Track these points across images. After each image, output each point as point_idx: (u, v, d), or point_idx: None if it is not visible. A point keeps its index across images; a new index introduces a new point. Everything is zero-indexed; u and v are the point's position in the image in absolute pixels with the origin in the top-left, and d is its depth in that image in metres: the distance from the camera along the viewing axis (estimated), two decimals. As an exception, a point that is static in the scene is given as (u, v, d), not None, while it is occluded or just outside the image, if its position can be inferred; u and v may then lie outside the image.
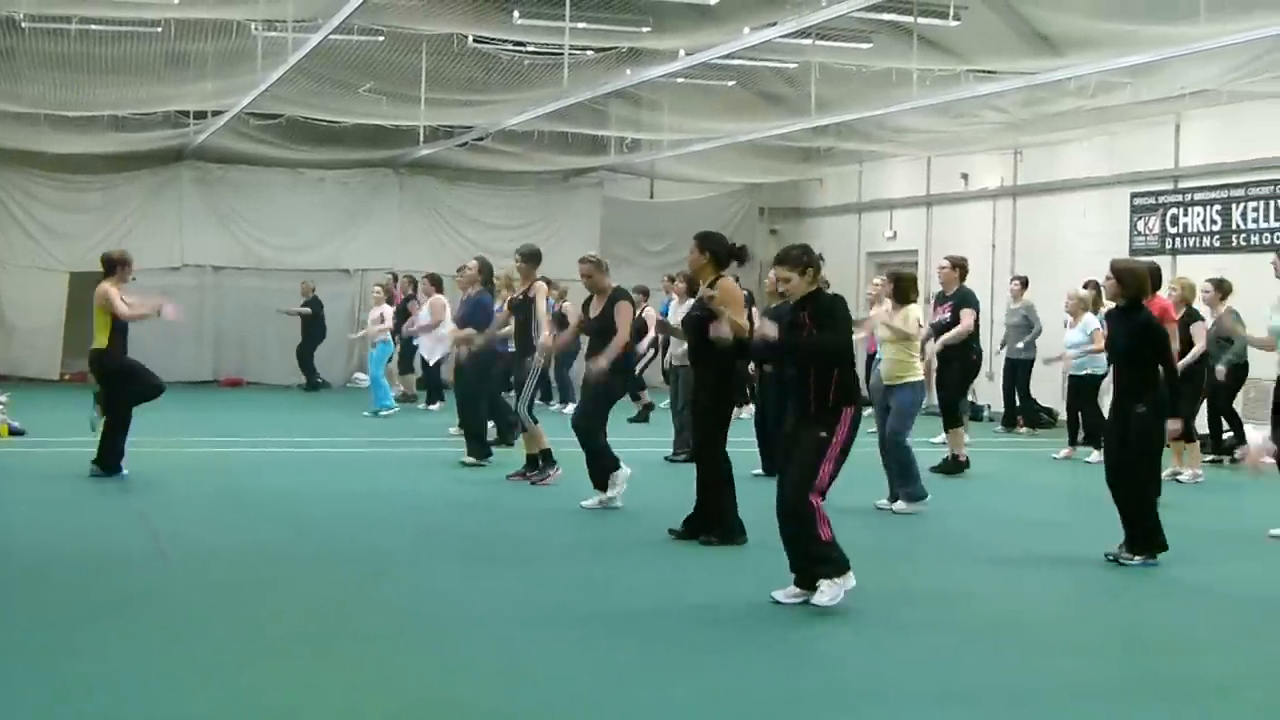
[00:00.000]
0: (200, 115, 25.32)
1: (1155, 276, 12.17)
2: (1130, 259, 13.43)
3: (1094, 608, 9.73)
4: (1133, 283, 11.14)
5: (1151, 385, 10.98)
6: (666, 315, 17.93)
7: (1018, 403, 21.83)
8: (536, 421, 14.73)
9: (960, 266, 16.83)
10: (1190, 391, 15.11)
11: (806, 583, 8.90)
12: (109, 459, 14.24)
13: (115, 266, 14.47)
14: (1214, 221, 21.79)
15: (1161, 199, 22.85)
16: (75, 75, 22.28)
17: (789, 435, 9.17)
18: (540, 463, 14.70)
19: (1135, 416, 10.83)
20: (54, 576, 9.54)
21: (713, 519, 11.12)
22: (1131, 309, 11.05)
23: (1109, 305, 12.30)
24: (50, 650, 7.50)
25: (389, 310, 23.40)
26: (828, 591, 8.67)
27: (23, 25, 20.89)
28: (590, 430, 12.99)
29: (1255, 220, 21.08)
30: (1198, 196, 22.23)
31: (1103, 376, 17.93)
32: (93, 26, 21.56)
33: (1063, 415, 19.19)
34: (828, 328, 8.96)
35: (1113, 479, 10.96)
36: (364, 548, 10.98)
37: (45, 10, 20.27)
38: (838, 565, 8.75)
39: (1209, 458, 17.26)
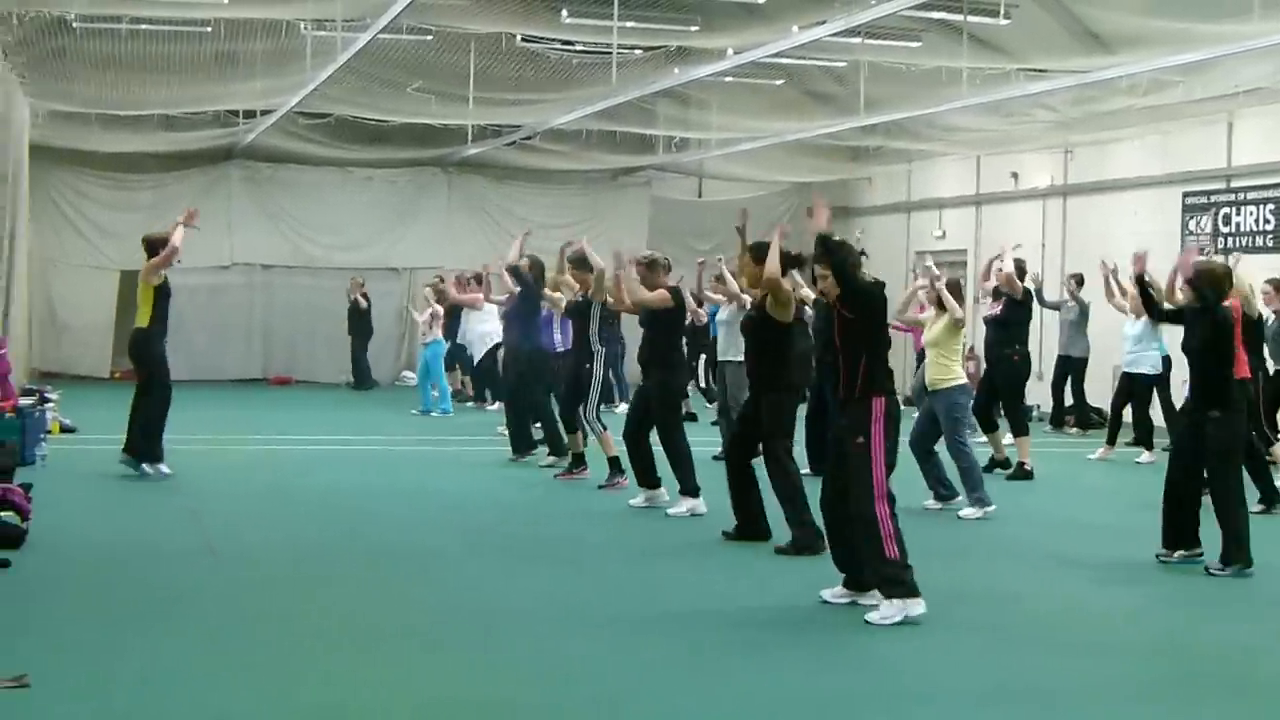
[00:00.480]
0: (250, 114, 25.38)
1: (1229, 277, 12.01)
2: (1209, 259, 13.31)
3: (1145, 611, 9.66)
4: (1211, 282, 11.06)
5: (1228, 387, 10.92)
6: (715, 316, 17.97)
7: (1069, 402, 21.76)
8: (605, 428, 14.61)
9: (1019, 267, 16.67)
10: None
11: (855, 585, 8.93)
12: (146, 450, 14.26)
13: (158, 247, 14.43)
14: (1267, 221, 21.68)
15: (1214, 198, 22.74)
16: (126, 75, 22.36)
17: (836, 438, 9.16)
18: (609, 469, 14.49)
19: (1212, 422, 10.76)
20: (105, 572, 9.61)
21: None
22: (1207, 309, 10.93)
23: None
24: (101, 645, 7.57)
25: (440, 310, 23.39)
26: (886, 611, 8.52)
27: (74, 25, 21.05)
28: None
29: (1308, 217, 21.08)
30: (1251, 195, 22.12)
31: (1155, 377, 17.92)
32: (143, 26, 21.65)
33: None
34: (868, 309, 8.93)
35: (1182, 486, 10.89)
36: (409, 546, 11.02)
37: (96, 10, 20.38)
38: (908, 588, 8.60)
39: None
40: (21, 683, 6.61)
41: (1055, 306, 21.29)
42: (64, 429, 17.79)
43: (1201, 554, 10.75)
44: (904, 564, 8.62)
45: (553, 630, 8.24)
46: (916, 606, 8.55)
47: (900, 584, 8.58)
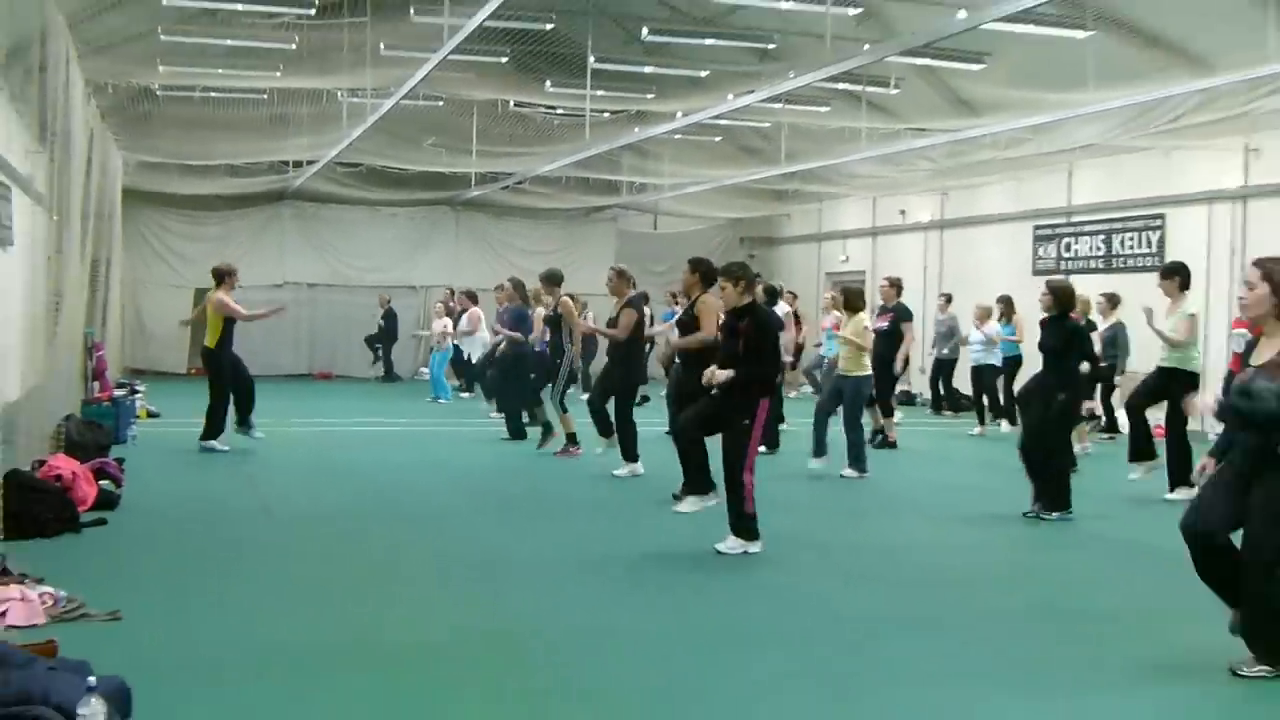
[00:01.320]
0: (298, 164, 25.43)
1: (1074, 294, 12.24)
2: (1061, 279, 13.37)
3: (1006, 553, 9.66)
4: (1064, 297, 11.25)
5: (1073, 378, 11.11)
6: (669, 320, 18.27)
7: (942, 392, 21.87)
8: (566, 410, 14.72)
9: (896, 285, 16.97)
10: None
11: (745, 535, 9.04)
12: (212, 430, 14.33)
13: (224, 276, 14.55)
14: (1099, 249, 21.91)
15: (1058, 230, 22.91)
16: (199, 132, 22.40)
17: (725, 419, 9.14)
18: (567, 441, 14.72)
19: (1058, 401, 10.88)
20: (183, 528, 9.54)
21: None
22: (1061, 318, 11.17)
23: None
24: (179, 585, 7.52)
25: (449, 323, 23.42)
26: (732, 544, 8.87)
27: (158, 93, 20.99)
28: (614, 410, 13.27)
29: (1131, 247, 21.24)
30: (1086, 228, 22.31)
31: (999, 369, 18.15)
32: (213, 94, 21.62)
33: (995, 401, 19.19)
34: (759, 341, 9.02)
35: (1030, 448, 10.95)
36: (426, 506, 10.99)
37: (175, 82, 20.38)
38: (752, 534, 8.91)
39: (1104, 436, 17.39)
40: (115, 616, 6.56)
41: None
42: (150, 414, 17.68)
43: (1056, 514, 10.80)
44: (754, 516, 8.92)
45: (539, 571, 8.21)
46: (755, 547, 8.88)
47: (748, 531, 8.92)
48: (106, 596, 6.83)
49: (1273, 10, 14.98)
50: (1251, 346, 6.28)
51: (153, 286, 28.09)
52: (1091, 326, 16.27)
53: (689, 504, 9.94)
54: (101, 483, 10.28)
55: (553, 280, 15.17)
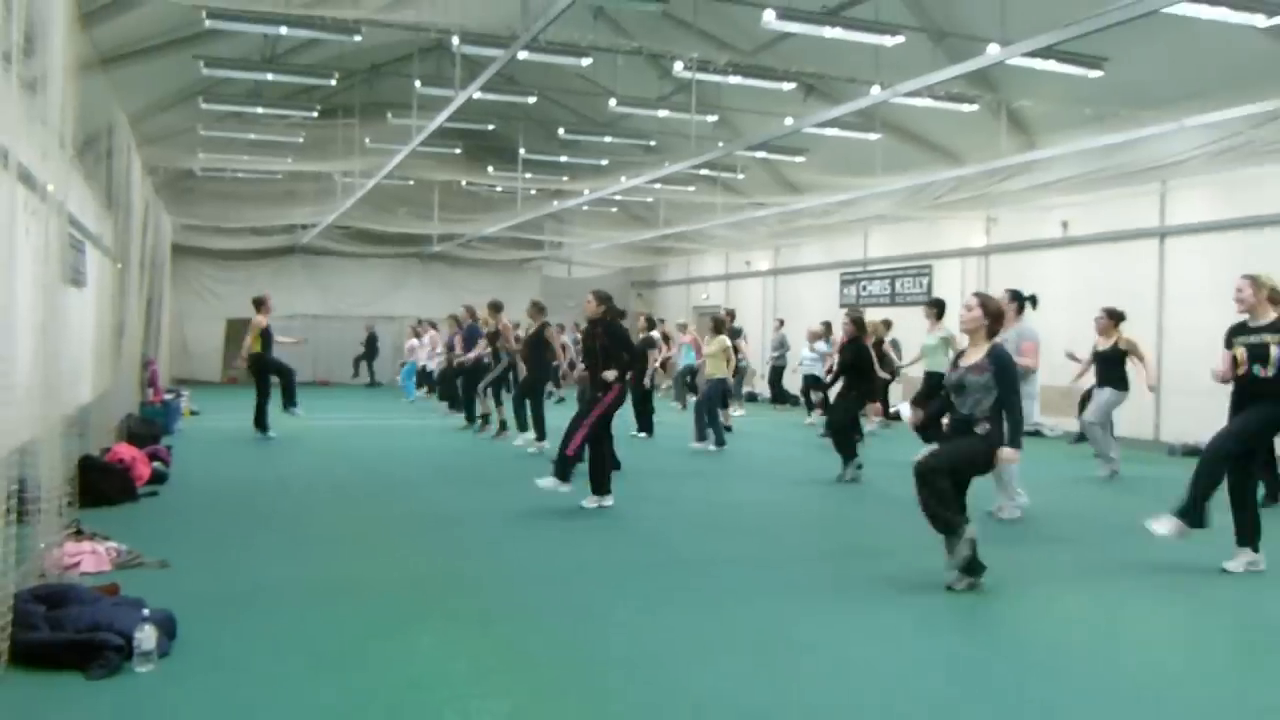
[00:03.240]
0: (304, 226, 25.11)
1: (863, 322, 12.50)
2: (857, 310, 13.62)
3: (819, 505, 9.71)
4: (859, 325, 11.40)
5: (868, 382, 11.35)
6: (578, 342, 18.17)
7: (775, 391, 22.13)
8: (501, 404, 14.69)
9: (731, 315, 16.97)
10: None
11: (601, 490, 9.04)
12: (261, 423, 14.23)
13: (262, 304, 14.38)
14: (885, 290, 22.27)
15: (857, 276, 23.28)
16: (229, 202, 22.16)
17: (592, 394, 9.25)
18: (499, 427, 14.72)
19: (851, 398, 11.14)
20: (218, 498, 9.33)
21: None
22: (855, 340, 11.34)
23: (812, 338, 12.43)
24: (215, 541, 7.36)
25: (418, 343, 23.27)
26: (548, 483, 8.76)
27: (198, 174, 20.60)
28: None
29: (908, 288, 21.62)
30: (877, 275, 22.67)
31: (818, 378, 18.36)
32: (240, 174, 21.27)
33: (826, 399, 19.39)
34: (615, 339, 9.11)
35: (841, 431, 11.08)
36: (400, 480, 10.81)
37: (211, 165, 20.08)
38: (564, 478, 8.78)
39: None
40: (164, 564, 6.43)
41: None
42: (192, 413, 17.30)
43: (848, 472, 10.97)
44: (572, 463, 8.83)
45: (488, 526, 8.14)
46: (564, 487, 8.78)
47: (563, 474, 8.80)
48: (158, 549, 6.69)
49: (1004, 121, 15.42)
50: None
51: (194, 318, 27.49)
52: (879, 344, 16.66)
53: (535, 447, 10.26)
54: (154, 464, 10.04)
55: (496, 308, 15.15)
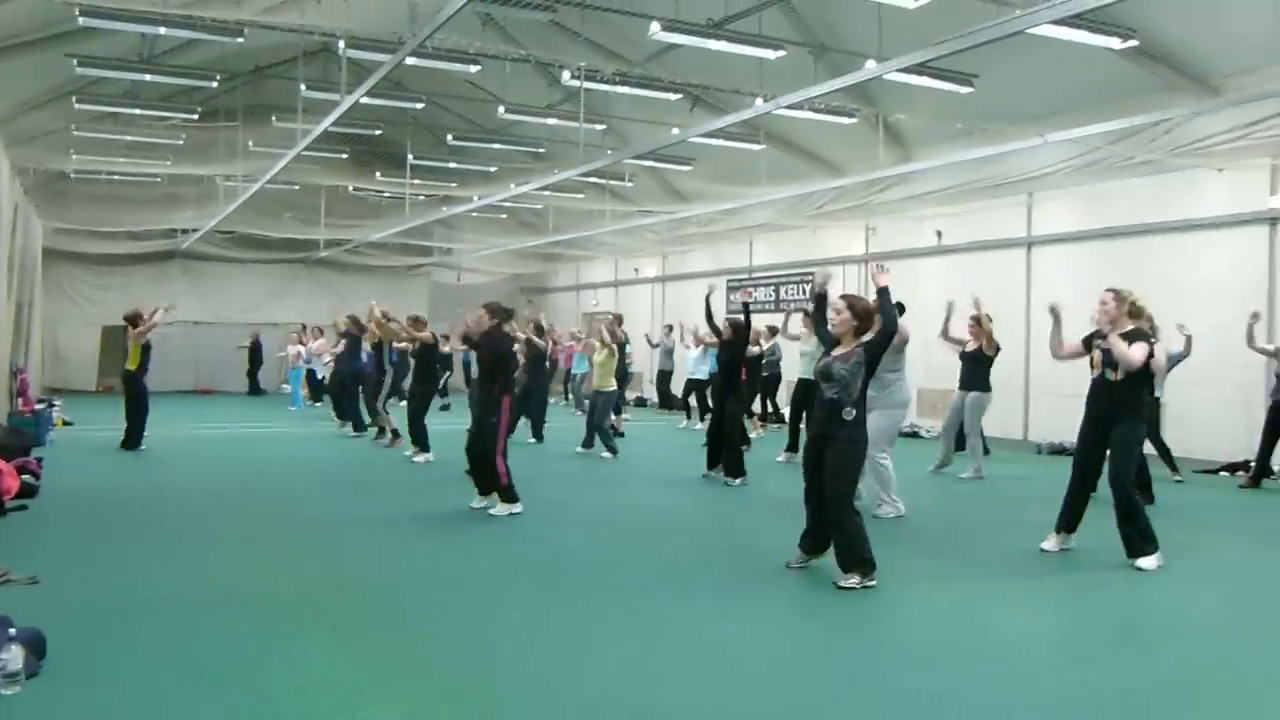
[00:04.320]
0: (185, 231, 24.36)
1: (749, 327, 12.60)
2: (737, 317, 13.74)
3: (700, 506, 9.78)
4: (738, 329, 11.47)
5: (738, 385, 11.38)
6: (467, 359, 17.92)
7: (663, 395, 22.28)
8: (389, 413, 14.46)
9: (619, 318, 16.99)
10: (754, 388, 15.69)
11: (485, 493, 9.05)
12: (134, 442, 13.51)
13: (137, 320, 13.70)
14: (770, 295, 22.62)
15: (743, 283, 23.59)
16: (104, 205, 21.41)
17: (479, 416, 9.10)
18: (391, 436, 14.43)
19: (730, 400, 11.19)
20: (91, 510, 8.95)
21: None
22: (731, 344, 11.37)
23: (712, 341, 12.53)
24: (90, 555, 7.06)
25: (303, 349, 22.73)
26: (500, 509, 8.83)
27: (71, 175, 19.82)
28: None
29: (792, 294, 21.97)
30: (762, 282, 23.02)
31: (704, 381, 18.44)
32: (116, 176, 20.54)
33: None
34: (498, 356, 9.04)
35: (716, 434, 11.20)
36: (285, 489, 10.53)
37: (85, 167, 19.39)
38: (511, 499, 8.87)
39: (775, 425, 17.97)
40: (34, 580, 6.13)
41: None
42: (66, 423, 16.57)
43: (738, 480, 11.09)
44: (510, 486, 8.87)
45: (372, 534, 7.98)
46: (517, 508, 8.84)
47: (509, 497, 8.87)
48: (27, 565, 6.37)
49: (881, 134, 15.83)
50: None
51: (68, 324, 26.32)
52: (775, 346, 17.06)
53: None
54: (24, 477, 9.57)
55: (387, 319, 14.90)
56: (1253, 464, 12.02)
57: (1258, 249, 13.57)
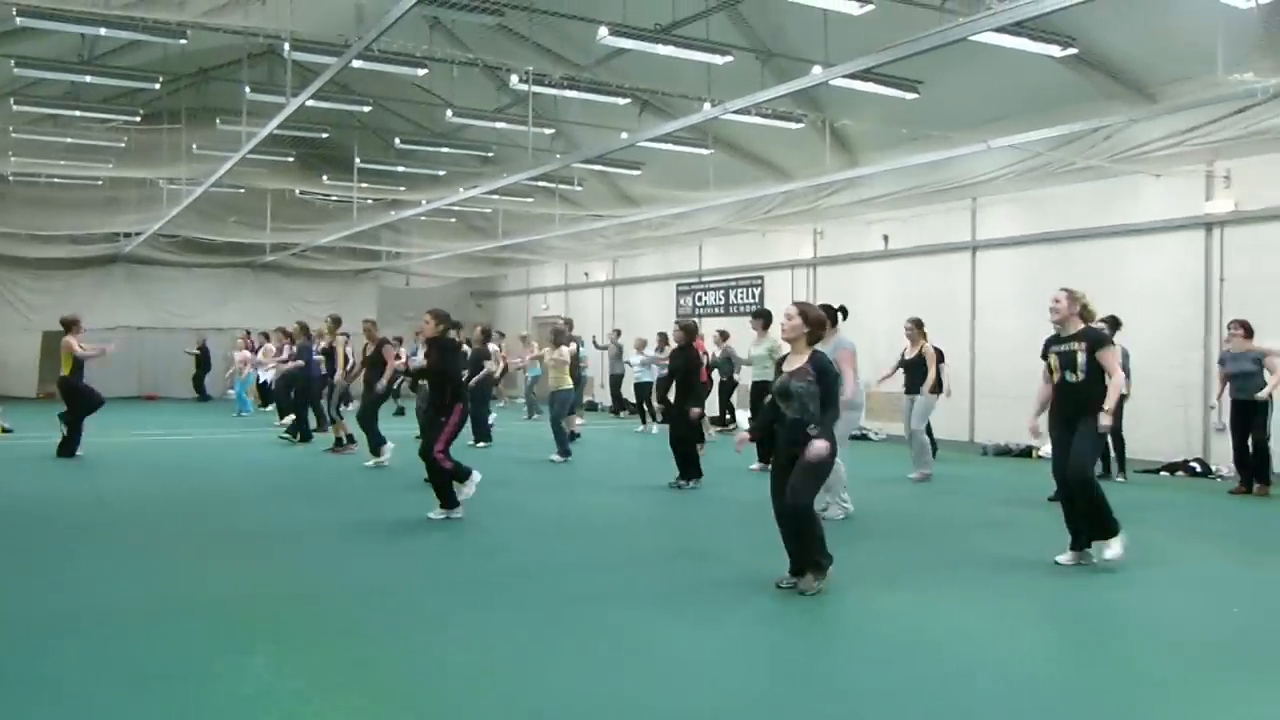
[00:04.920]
0: (127, 235, 23.90)
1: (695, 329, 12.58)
2: (687, 319, 13.73)
3: (659, 510, 9.74)
4: (689, 332, 11.42)
5: (697, 388, 11.30)
6: (415, 356, 17.71)
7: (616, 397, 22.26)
8: (341, 418, 14.31)
9: (569, 322, 17.00)
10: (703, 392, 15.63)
11: (446, 506, 8.93)
12: (69, 449, 13.17)
13: (72, 325, 13.40)
14: (719, 300, 22.70)
15: (693, 287, 23.66)
16: (45, 209, 21.04)
17: (430, 419, 9.13)
18: (344, 441, 14.24)
19: (686, 405, 11.13)
20: (34, 519, 8.73)
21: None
22: (686, 347, 11.29)
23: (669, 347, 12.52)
24: (31, 566, 6.87)
25: (249, 354, 22.37)
26: (437, 513, 8.80)
27: (10, 179, 19.39)
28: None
29: (741, 299, 22.08)
30: (711, 286, 23.09)
31: (649, 385, 18.45)
32: (56, 179, 20.15)
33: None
34: (447, 361, 9.01)
35: (676, 442, 11.20)
36: (230, 495, 10.35)
37: (24, 170, 18.99)
38: (460, 475, 8.86)
39: (730, 427, 18.02)
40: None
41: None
42: (5, 430, 16.17)
43: (691, 482, 11.09)
44: (456, 466, 8.83)
45: (319, 540, 7.87)
46: (471, 485, 8.88)
47: (460, 475, 8.86)
48: (-38, 576, 6.21)
49: (828, 139, 15.95)
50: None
51: (7, 330, 25.76)
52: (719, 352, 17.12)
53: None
54: (-40, 485, 9.34)
55: (336, 322, 14.91)
56: (1229, 469, 12.08)
57: (1194, 253, 13.86)
